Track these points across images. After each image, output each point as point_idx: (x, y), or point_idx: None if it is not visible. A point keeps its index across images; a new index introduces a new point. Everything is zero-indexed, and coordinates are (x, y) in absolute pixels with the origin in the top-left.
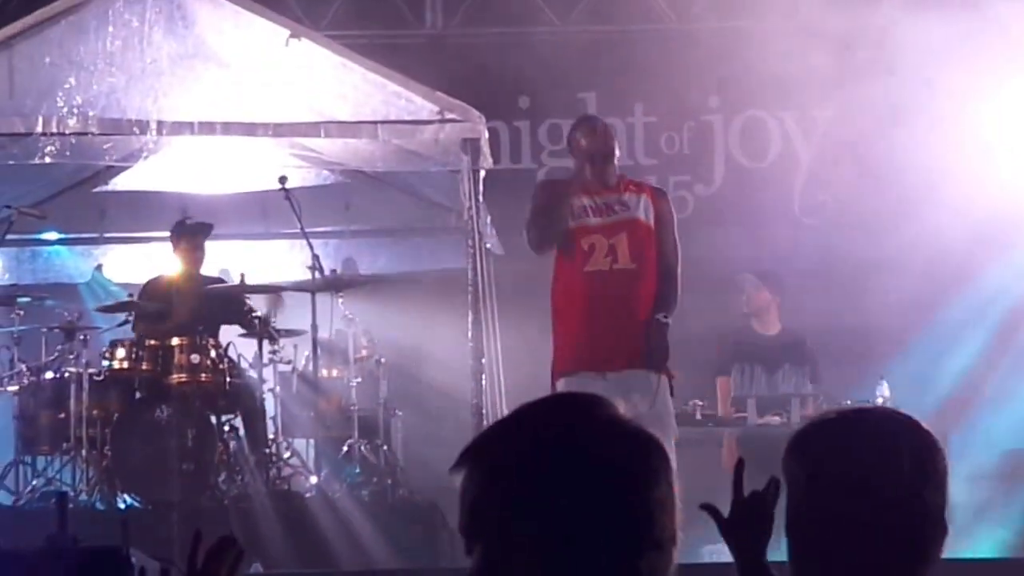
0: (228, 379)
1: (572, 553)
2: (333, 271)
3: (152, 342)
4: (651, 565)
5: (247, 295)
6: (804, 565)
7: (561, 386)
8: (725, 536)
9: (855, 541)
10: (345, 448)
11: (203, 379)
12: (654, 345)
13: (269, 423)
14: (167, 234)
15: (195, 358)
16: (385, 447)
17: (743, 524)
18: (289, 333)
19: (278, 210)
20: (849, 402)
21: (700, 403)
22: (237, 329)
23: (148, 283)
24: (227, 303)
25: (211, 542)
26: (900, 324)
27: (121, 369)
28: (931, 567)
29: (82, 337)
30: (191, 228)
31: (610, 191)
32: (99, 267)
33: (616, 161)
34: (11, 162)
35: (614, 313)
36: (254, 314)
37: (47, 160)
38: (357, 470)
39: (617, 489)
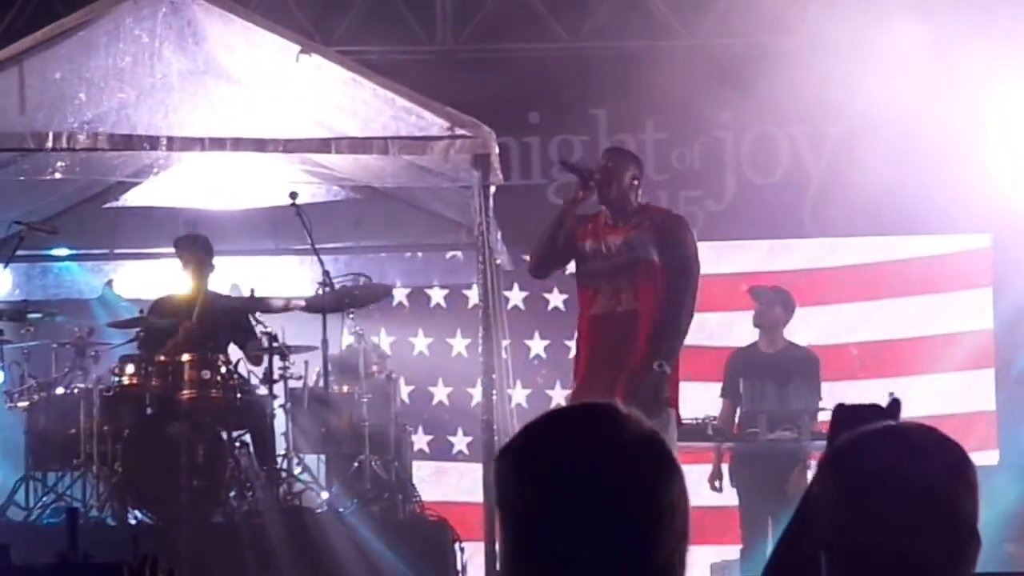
0: (239, 395)
1: (585, 549)
2: (344, 286)
3: (162, 358)
4: (659, 570)
5: (254, 314)
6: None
7: None
8: None
9: (893, 555)
10: (356, 464)
11: (213, 395)
12: (644, 397)
13: (280, 439)
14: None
15: (205, 374)
16: (396, 463)
17: None
18: (299, 349)
19: (288, 226)
20: None
21: (713, 419)
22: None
23: (156, 302)
24: (235, 321)
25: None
26: (910, 339)
27: (131, 385)
28: None
29: (92, 353)
30: (189, 239)
31: (618, 231)
32: (109, 283)
33: (625, 189)
34: (21, 178)
35: (619, 355)
36: (264, 331)
37: (57, 176)
38: (368, 486)
39: (628, 491)
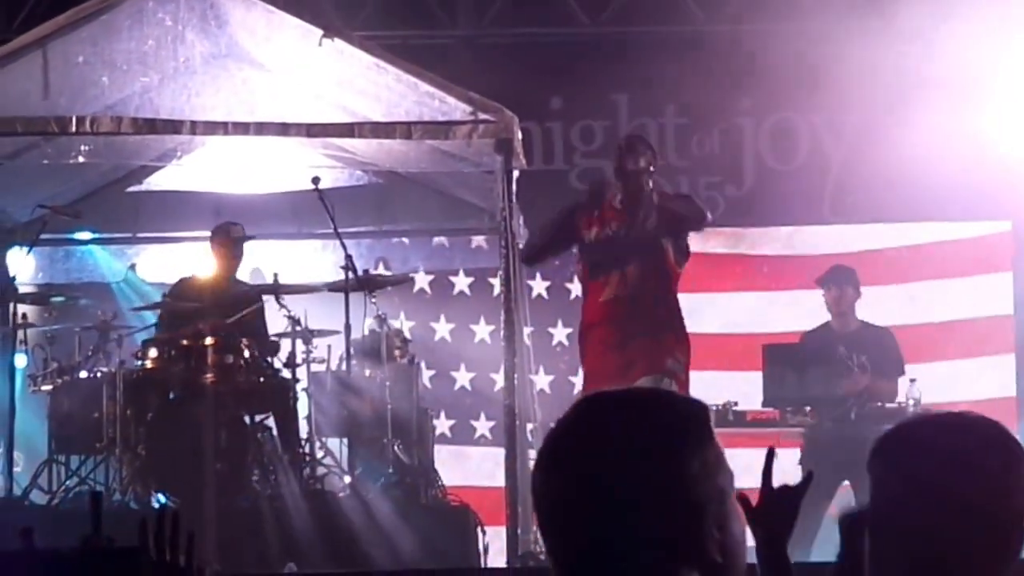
0: (262, 379)
1: (615, 540)
2: (366, 271)
3: (185, 342)
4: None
5: (279, 297)
6: (887, 565)
7: None
8: (751, 524)
9: (939, 542)
10: (378, 448)
11: (237, 379)
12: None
13: (302, 423)
14: (200, 234)
15: (228, 358)
16: (418, 447)
17: (771, 514)
18: (322, 333)
19: (311, 210)
20: (890, 405)
21: (735, 404)
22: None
23: (179, 282)
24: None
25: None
26: (930, 324)
27: (154, 369)
28: (1011, 567)
29: (115, 337)
30: (232, 234)
31: (630, 218)
32: (132, 267)
33: (640, 171)
34: (45, 162)
35: (632, 337)
36: (287, 315)
37: (81, 160)
38: (390, 470)
39: (668, 454)
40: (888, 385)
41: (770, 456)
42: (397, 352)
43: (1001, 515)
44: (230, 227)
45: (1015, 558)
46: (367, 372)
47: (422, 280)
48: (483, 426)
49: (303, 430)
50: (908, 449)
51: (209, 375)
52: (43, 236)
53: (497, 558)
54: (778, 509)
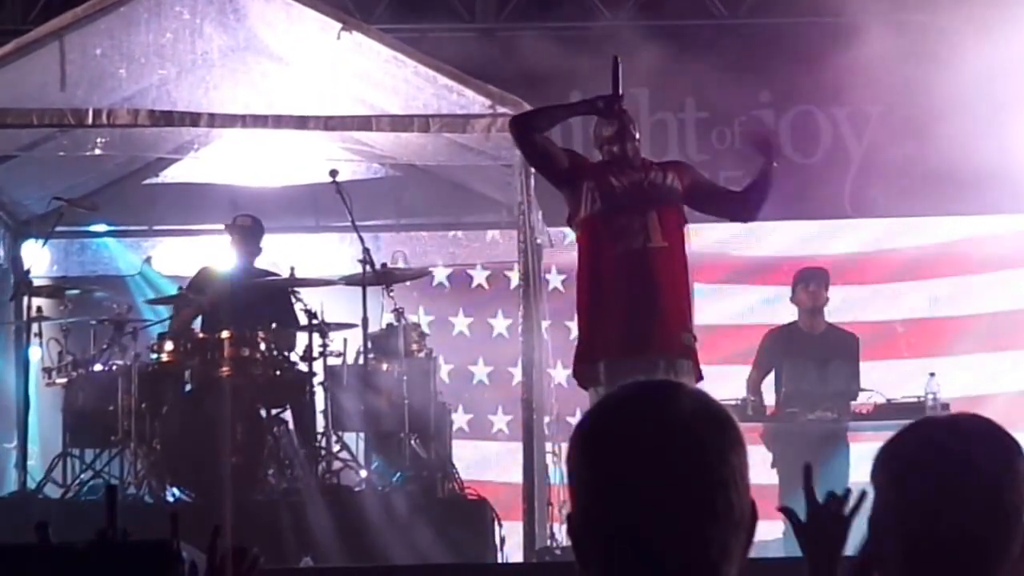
0: (278, 372)
1: (645, 519)
2: (383, 264)
3: (201, 335)
4: (723, 540)
5: (295, 291)
6: (887, 566)
7: (602, 369)
8: (799, 539)
9: (938, 544)
10: (395, 442)
11: (253, 372)
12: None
13: (319, 417)
14: (217, 227)
15: (245, 351)
16: (435, 441)
17: (818, 528)
18: (339, 327)
19: (329, 203)
20: (901, 398)
21: (753, 399)
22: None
23: (197, 273)
24: (273, 298)
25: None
26: (951, 320)
27: (170, 362)
28: (1006, 565)
29: (131, 330)
30: (238, 223)
31: (635, 171)
32: (148, 260)
33: (637, 143)
34: (61, 153)
35: (650, 292)
36: (304, 308)
37: (97, 152)
38: (407, 464)
39: (694, 459)
40: None
41: (808, 472)
42: (414, 346)
43: (1001, 512)
44: (237, 218)
45: (1012, 554)
46: (384, 366)
47: (441, 274)
48: (500, 420)
49: (319, 424)
50: (900, 454)
51: (225, 368)
52: (58, 228)
53: (514, 553)
54: (826, 523)
